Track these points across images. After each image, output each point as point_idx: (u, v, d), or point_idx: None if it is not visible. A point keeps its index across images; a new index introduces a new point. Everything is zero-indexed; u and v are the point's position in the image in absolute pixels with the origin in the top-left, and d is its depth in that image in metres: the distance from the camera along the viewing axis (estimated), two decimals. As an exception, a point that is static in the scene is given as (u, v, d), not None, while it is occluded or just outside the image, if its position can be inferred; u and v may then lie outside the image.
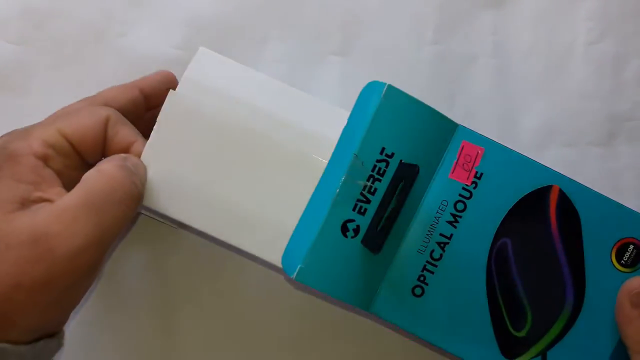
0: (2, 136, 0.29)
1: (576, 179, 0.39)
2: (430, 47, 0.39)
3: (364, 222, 0.30)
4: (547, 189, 0.31)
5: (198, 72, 0.31)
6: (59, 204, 0.26)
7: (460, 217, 0.31)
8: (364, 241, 0.30)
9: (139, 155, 0.30)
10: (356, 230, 0.30)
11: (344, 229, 0.29)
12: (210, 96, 0.31)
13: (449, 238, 0.31)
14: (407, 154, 0.30)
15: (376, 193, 0.30)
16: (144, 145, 0.30)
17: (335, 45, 0.39)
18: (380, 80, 0.39)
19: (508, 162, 0.31)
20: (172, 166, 0.30)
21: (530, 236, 0.31)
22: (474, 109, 0.39)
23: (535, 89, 0.40)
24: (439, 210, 0.31)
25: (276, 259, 0.30)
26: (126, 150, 0.30)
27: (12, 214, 0.26)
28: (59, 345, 0.29)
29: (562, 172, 0.39)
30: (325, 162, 0.31)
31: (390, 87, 0.30)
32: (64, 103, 0.37)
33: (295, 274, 0.29)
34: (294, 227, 0.31)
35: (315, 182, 0.31)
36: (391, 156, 0.30)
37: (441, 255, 0.31)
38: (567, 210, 0.31)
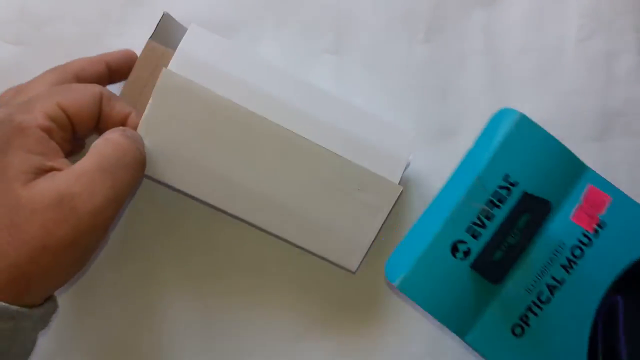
0: (4, 108, 0.29)
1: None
2: (422, 45, 0.40)
3: (476, 245, 0.29)
4: None
5: (190, 47, 0.34)
6: (75, 168, 0.28)
7: (575, 263, 0.29)
8: (476, 266, 0.29)
9: (135, 127, 0.32)
10: (466, 253, 0.29)
11: (454, 249, 0.29)
12: (201, 71, 0.33)
13: (560, 282, 0.29)
14: (531, 186, 0.29)
15: (493, 219, 0.29)
16: (138, 117, 0.32)
17: (328, 43, 0.39)
18: (372, 78, 0.39)
19: (635, 217, 0.30)
20: (167, 138, 0.33)
21: None
22: (466, 107, 0.39)
23: (527, 86, 0.40)
24: (555, 252, 0.30)
25: (259, 219, 0.34)
26: (123, 123, 0.32)
27: (31, 182, 0.27)
28: (56, 306, 0.30)
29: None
30: (311, 140, 0.33)
31: (523, 116, 0.30)
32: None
33: (398, 282, 0.29)
34: (275, 196, 0.33)
35: (299, 158, 0.33)
36: (514, 184, 0.29)
37: (549, 298, 0.29)
38: None
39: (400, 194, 0.33)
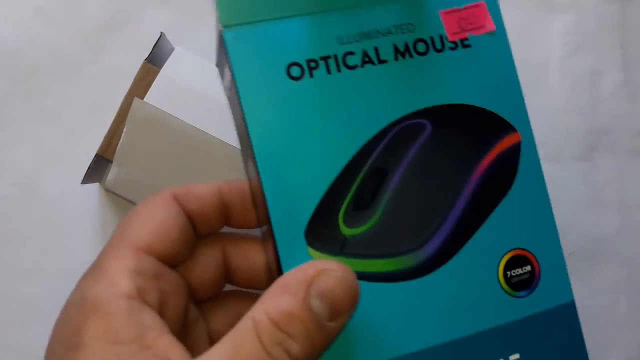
0: (75, 287, 0.22)
1: (558, 194, 0.39)
2: (405, 66, 0.39)
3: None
4: (508, 128, 0.25)
5: (174, 70, 0.34)
6: None
7: (410, 55, 0.24)
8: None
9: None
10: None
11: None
12: (184, 94, 0.33)
13: (377, 62, 0.24)
14: None
15: None
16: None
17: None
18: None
19: (473, 63, 0.25)
20: (141, 165, 0.33)
21: (457, 146, 0.24)
22: (452, 126, 0.39)
23: (513, 105, 0.39)
24: (399, 27, 0.24)
25: None
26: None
27: None
28: None
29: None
30: None
31: None
32: (38, 132, 0.37)
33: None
34: None
35: None
36: None
37: (355, 65, 0.23)
38: (508, 168, 0.25)
39: None
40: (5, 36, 0.37)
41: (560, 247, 0.25)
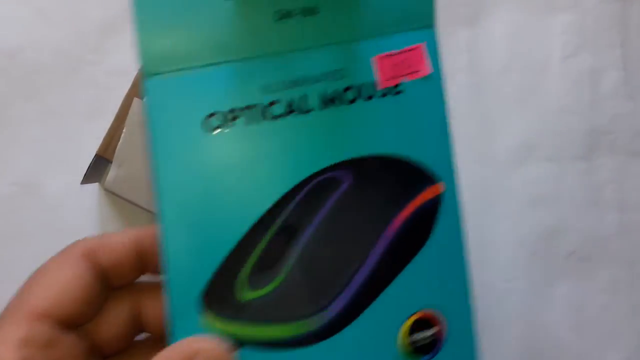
0: None
1: (558, 194, 0.39)
2: (405, 66, 0.39)
3: None
4: (430, 180, 0.23)
5: None
6: None
7: (333, 102, 0.23)
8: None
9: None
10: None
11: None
12: None
13: (302, 111, 0.22)
14: None
15: None
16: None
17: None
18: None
19: (430, 117, 0.24)
20: (141, 166, 0.33)
21: (373, 200, 0.22)
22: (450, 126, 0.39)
23: (512, 105, 0.39)
24: (327, 75, 0.23)
25: None
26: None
27: None
28: None
29: (543, 188, 0.39)
30: None
31: None
32: (38, 132, 0.37)
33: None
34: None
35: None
36: None
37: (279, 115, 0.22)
38: (425, 223, 0.23)
39: None
40: (5, 36, 0.37)
41: (470, 307, 0.23)
